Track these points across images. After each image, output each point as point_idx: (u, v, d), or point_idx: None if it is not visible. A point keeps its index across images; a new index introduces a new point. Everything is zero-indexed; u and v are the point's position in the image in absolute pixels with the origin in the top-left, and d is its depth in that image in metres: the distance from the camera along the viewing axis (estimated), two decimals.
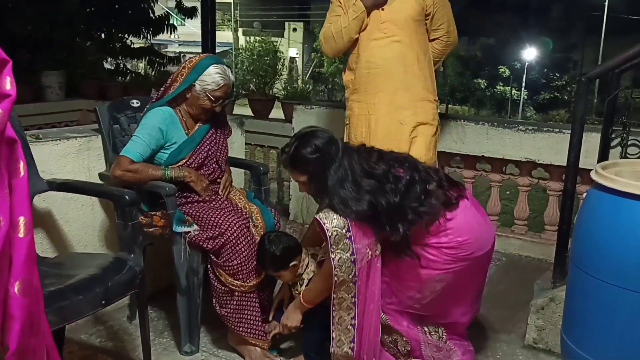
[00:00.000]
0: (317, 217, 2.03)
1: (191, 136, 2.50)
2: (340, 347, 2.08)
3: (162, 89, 2.54)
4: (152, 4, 8.03)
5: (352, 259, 1.99)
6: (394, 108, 2.69)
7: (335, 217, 1.99)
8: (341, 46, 2.78)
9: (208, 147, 2.54)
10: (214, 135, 2.58)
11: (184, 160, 2.48)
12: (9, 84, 0.86)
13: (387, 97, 2.70)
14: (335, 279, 1.99)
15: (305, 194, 2.27)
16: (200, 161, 2.51)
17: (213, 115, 2.54)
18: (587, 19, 29.26)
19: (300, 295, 2.22)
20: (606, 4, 28.23)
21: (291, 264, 2.28)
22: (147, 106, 2.54)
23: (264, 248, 2.30)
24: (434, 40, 2.84)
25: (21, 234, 0.89)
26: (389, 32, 2.67)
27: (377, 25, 2.69)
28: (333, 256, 1.98)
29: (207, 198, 2.46)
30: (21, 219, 0.89)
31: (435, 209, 2.00)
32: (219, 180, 2.58)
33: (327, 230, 1.98)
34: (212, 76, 2.41)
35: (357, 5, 2.68)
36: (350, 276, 2.00)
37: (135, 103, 2.70)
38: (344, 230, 1.98)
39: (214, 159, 2.56)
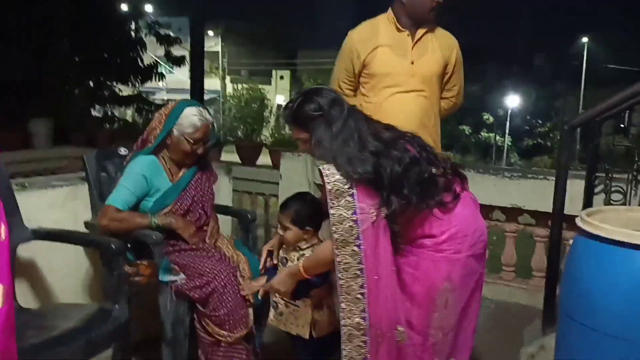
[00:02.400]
0: (321, 167, 1.90)
1: (176, 183, 2.50)
2: (350, 317, 1.91)
3: (141, 137, 2.55)
4: (141, 52, 8.14)
5: (354, 219, 1.85)
6: None
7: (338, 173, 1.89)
8: None
9: (193, 193, 2.54)
10: (200, 181, 2.58)
11: (170, 207, 2.47)
12: None
13: None
14: (336, 236, 1.86)
15: None
16: (185, 207, 2.50)
17: (198, 161, 2.55)
18: (568, 68, 30.13)
19: (300, 263, 2.09)
20: (585, 54, 29.12)
21: (306, 227, 2.25)
22: (130, 154, 2.54)
23: (302, 195, 2.40)
24: (443, 99, 2.82)
25: None
26: (416, 86, 2.63)
27: (407, 79, 2.63)
28: (332, 212, 1.85)
29: (194, 246, 2.44)
30: (0, 287, 0.84)
31: (432, 194, 1.90)
32: (205, 227, 2.57)
33: (328, 182, 1.86)
34: (189, 118, 2.43)
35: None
36: (353, 238, 1.85)
37: (123, 151, 2.70)
38: (346, 187, 1.85)
39: (200, 205, 2.56)
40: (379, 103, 2.65)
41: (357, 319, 1.90)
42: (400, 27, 2.64)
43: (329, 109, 1.96)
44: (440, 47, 2.68)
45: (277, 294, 2.20)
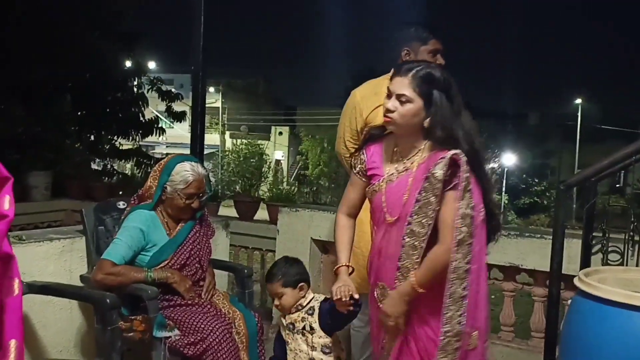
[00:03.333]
0: (454, 152, 1.78)
1: (173, 237, 2.50)
2: (451, 324, 1.79)
3: (137, 194, 2.57)
4: (142, 108, 8.26)
5: (472, 215, 1.78)
6: None
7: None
8: None
9: (191, 247, 2.53)
10: (197, 235, 2.58)
11: (166, 262, 2.46)
12: (7, 204, 0.84)
13: None
14: (459, 236, 1.75)
15: None
16: (182, 262, 2.49)
17: (194, 215, 2.55)
18: (562, 127, 30.58)
19: (411, 279, 1.85)
20: (579, 113, 29.60)
21: (300, 284, 2.26)
22: (127, 209, 2.55)
23: (278, 261, 2.37)
24: None
25: None
26: None
27: None
28: (461, 210, 1.75)
29: (189, 301, 2.42)
30: (12, 343, 0.82)
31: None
32: (201, 281, 2.55)
33: (463, 171, 1.76)
34: (180, 174, 2.45)
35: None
36: (468, 236, 1.77)
37: (121, 205, 2.71)
38: (469, 180, 1.78)
39: (197, 260, 2.55)
40: None
41: (455, 324, 1.80)
42: None
43: (452, 85, 1.87)
44: None
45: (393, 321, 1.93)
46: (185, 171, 2.46)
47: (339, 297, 1.99)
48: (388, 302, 1.91)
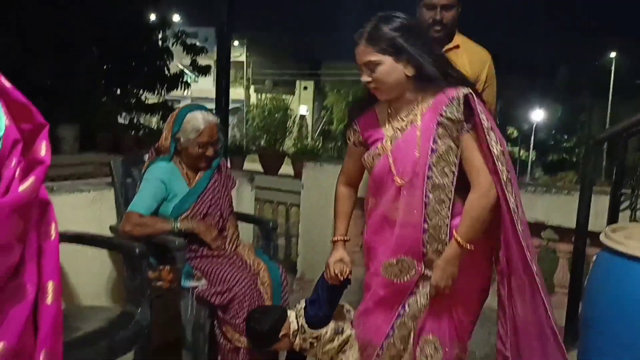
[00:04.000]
0: (463, 90, 1.71)
1: (193, 187, 2.53)
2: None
3: (153, 147, 2.60)
4: (167, 61, 8.26)
5: (504, 151, 1.69)
6: None
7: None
8: None
9: (211, 196, 2.56)
10: (217, 185, 2.60)
11: (188, 212, 2.49)
12: (44, 150, 0.85)
13: None
14: (504, 177, 1.66)
15: (309, 250, 2.17)
16: (204, 211, 2.52)
17: (210, 163, 2.56)
18: (594, 81, 29.74)
19: (457, 237, 1.73)
20: (613, 67, 28.72)
21: (280, 334, 2.17)
22: (146, 163, 2.59)
23: (250, 330, 2.22)
24: None
25: (49, 301, 0.84)
26: None
27: None
28: (493, 149, 1.66)
29: (216, 252, 2.47)
30: (50, 284, 0.85)
31: None
32: (224, 232, 2.59)
33: (479, 107, 1.68)
34: (191, 123, 2.46)
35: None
36: (508, 172, 1.68)
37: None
38: (485, 120, 1.69)
39: (218, 209, 2.57)
40: None
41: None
42: None
43: (406, 21, 1.79)
44: (470, 63, 2.55)
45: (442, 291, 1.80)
46: (196, 120, 2.47)
47: (336, 273, 1.99)
48: (437, 273, 1.77)
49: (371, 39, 1.75)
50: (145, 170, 2.54)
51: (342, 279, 2.02)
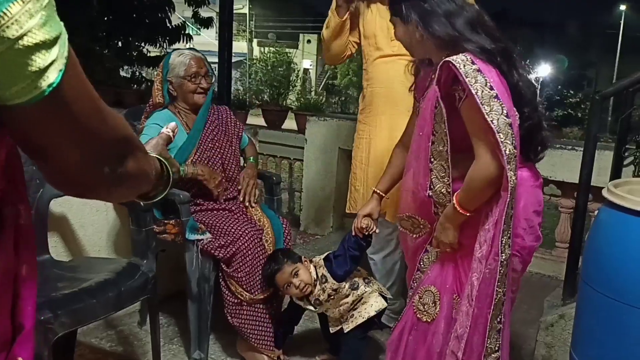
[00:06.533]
0: (450, 59, 1.62)
1: (190, 132, 2.53)
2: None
3: (149, 103, 2.59)
4: (169, 13, 8.12)
5: (509, 123, 1.58)
6: (394, 133, 2.37)
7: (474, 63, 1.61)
8: (333, 56, 2.72)
9: (211, 144, 2.55)
10: (218, 133, 2.60)
11: (191, 158, 2.50)
12: None
13: (387, 121, 2.56)
14: (506, 150, 1.56)
15: (312, 205, 2.23)
16: (206, 158, 2.53)
17: (206, 97, 2.55)
18: (602, 37, 29.22)
19: (454, 200, 1.74)
20: (622, 22, 28.17)
21: (302, 258, 2.32)
22: (142, 118, 2.59)
23: (271, 256, 2.36)
24: None
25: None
26: (397, 50, 2.32)
27: (387, 42, 2.51)
28: (490, 119, 1.56)
29: (217, 195, 2.49)
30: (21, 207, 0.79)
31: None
32: (229, 184, 2.60)
33: (463, 75, 1.58)
34: (177, 60, 2.50)
35: (332, 13, 2.59)
36: (514, 147, 1.58)
37: None
38: (487, 88, 1.58)
39: (219, 157, 2.57)
40: (368, 70, 2.65)
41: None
42: None
43: None
44: None
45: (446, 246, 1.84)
46: (181, 54, 2.51)
47: (363, 227, 2.11)
48: (437, 228, 1.82)
49: (391, 8, 1.86)
50: (142, 126, 2.53)
51: (365, 233, 2.14)
